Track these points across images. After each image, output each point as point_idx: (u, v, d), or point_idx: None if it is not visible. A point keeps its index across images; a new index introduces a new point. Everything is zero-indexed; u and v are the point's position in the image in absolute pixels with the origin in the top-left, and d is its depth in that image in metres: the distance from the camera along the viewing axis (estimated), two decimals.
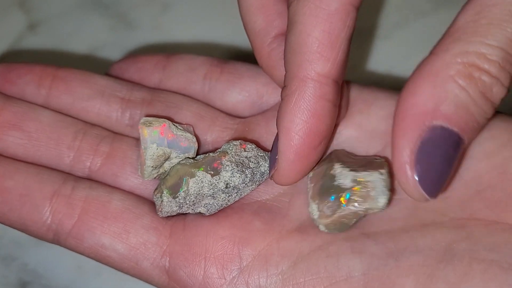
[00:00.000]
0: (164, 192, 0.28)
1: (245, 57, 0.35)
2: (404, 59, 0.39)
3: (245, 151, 0.29)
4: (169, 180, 0.28)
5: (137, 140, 0.30)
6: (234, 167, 0.28)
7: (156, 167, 0.29)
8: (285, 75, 0.27)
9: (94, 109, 0.32)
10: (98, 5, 0.42)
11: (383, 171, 0.27)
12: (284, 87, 0.27)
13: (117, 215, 0.28)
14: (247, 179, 0.29)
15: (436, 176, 0.24)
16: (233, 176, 0.28)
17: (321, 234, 0.27)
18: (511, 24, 0.23)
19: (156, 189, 0.29)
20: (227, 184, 0.28)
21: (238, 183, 0.28)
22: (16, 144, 0.30)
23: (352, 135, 0.30)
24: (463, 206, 0.27)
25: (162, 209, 0.28)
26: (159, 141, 0.29)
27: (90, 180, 0.30)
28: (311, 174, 0.29)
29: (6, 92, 0.31)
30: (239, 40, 0.39)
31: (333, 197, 0.27)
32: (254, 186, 0.29)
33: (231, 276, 0.27)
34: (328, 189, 0.27)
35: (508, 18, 0.23)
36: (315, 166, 0.29)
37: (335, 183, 0.27)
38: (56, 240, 0.29)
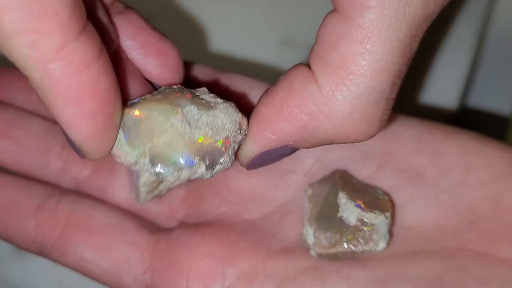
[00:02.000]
0: (147, 159, 0.24)
1: (241, 66, 0.34)
2: None
3: (240, 134, 0.26)
4: (158, 149, 0.25)
5: None
6: (228, 163, 0.26)
7: (151, 191, 0.29)
8: None
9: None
10: None
11: (388, 214, 0.26)
12: None
13: (101, 230, 0.28)
14: (230, 163, 0.26)
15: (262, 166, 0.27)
16: (223, 167, 0.26)
17: (309, 256, 0.27)
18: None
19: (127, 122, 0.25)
20: (213, 174, 0.26)
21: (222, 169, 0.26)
22: (4, 152, 0.30)
23: (346, 155, 0.29)
24: (455, 235, 0.26)
25: (128, 164, 0.25)
26: None
27: (77, 193, 0.30)
28: (310, 191, 0.28)
29: None
30: (228, 49, 0.39)
31: (333, 231, 0.26)
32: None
33: None
34: (329, 219, 0.27)
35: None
36: (315, 184, 0.28)
37: (339, 215, 0.27)
38: (41, 252, 0.28)
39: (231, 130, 0.25)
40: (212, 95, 0.26)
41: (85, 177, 0.30)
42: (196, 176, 0.25)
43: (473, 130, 0.29)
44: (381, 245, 0.26)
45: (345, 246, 0.26)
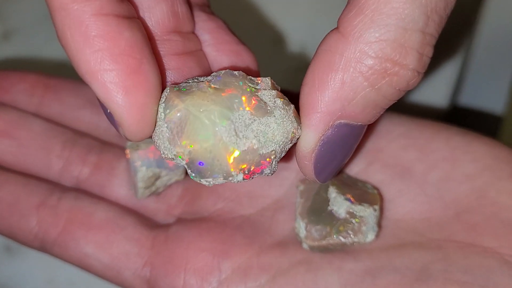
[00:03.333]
0: (183, 160, 0.24)
1: None
2: None
3: (290, 142, 0.25)
4: (199, 152, 0.23)
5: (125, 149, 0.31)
6: (268, 176, 0.25)
7: (148, 187, 0.30)
8: None
9: (84, 118, 0.32)
10: None
11: (376, 207, 0.27)
12: None
13: (101, 226, 0.29)
14: None
15: (333, 169, 0.25)
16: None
17: (301, 249, 0.28)
18: None
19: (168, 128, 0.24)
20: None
21: None
22: (6, 152, 0.31)
23: None
24: (442, 227, 0.27)
25: (166, 158, 0.24)
26: (148, 163, 0.29)
27: (77, 190, 0.30)
28: (302, 187, 0.29)
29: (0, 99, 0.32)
30: None
31: (323, 224, 0.27)
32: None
33: (210, 287, 0.27)
34: (320, 212, 0.28)
35: None
36: (306, 180, 0.29)
37: (329, 208, 0.27)
38: (43, 248, 0.29)
39: (280, 143, 0.24)
40: (274, 92, 0.24)
41: (85, 176, 0.31)
42: (232, 181, 0.24)
43: (465, 128, 0.30)
44: (370, 236, 0.27)
45: (336, 238, 0.27)
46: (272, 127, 0.24)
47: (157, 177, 0.29)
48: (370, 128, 0.30)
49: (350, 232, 0.27)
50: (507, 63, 0.45)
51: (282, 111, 0.24)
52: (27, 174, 0.31)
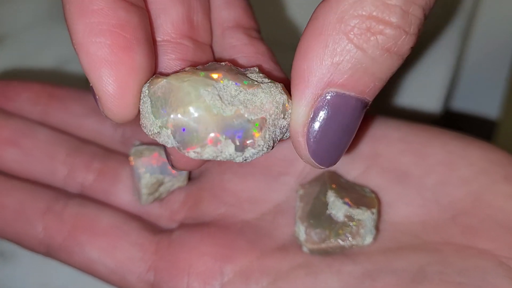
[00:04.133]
0: (169, 130, 0.23)
1: None
2: None
3: (283, 118, 0.23)
4: (182, 121, 0.22)
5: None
6: (264, 148, 0.23)
7: (151, 193, 0.30)
8: None
9: (88, 126, 0.33)
10: None
11: (374, 210, 0.28)
12: None
13: (106, 231, 0.29)
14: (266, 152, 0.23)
15: (330, 148, 0.23)
16: (257, 154, 0.23)
17: (302, 253, 0.28)
18: None
19: (153, 99, 0.23)
20: (245, 160, 0.23)
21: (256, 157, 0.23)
22: (12, 160, 0.31)
23: None
24: (439, 230, 0.27)
25: (152, 135, 0.23)
26: (151, 170, 0.30)
27: (82, 196, 0.31)
28: (301, 191, 0.29)
29: (5, 108, 0.33)
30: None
31: (323, 227, 0.28)
32: None
33: None
34: (319, 216, 0.28)
35: None
36: (306, 184, 0.29)
37: (327, 212, 0.28)
38: (48, 253, 0.30)
39: (270, 112, 0.23)
40: (262, 74, 0.24)
41: (90, 183, 0.31)
42: (223, 156, 0.22)
43: (459, 132, 0.30)
44: (368, 239, 0.27)
45: (334, 241, 0.27)
46: (260, 96, 0.23)
47: (160, 183, 0.30)
48: (367, 132, 0.30)
49: (348, 235, 0.27)
50: (501, 67, 0.45)
51: (270, 84, 0.23)
52: (33, 181, 0.31)
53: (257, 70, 0.24)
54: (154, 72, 0.24)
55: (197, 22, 0.26)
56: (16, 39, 0.42)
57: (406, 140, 0.30)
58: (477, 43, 0.44)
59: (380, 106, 0.38)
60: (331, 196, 0.28)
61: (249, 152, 0.22)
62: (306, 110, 0.23)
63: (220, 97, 0.22)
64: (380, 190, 0.29)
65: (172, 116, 0.22)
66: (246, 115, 0.22)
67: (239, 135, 0.22)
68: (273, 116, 0.23)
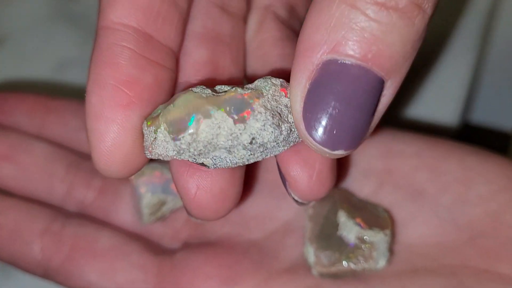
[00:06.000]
0: (162, 127, 0.21)
1: None
2: None
3: (286, 97, 0.21)
4: (172, 112, 0.21)
5: None
6: (269, 117, 0.21)
7: (153, 213, 0.29)
8: None
9: (86, 140, 0.32)
10: (67, 18, 0.41)
11: (388, 231, 0.27)
12: None
13: (105, 253, 0.28)
14: (281, 137, 0.21)
15: (328, 122, 0.20)
16: (264, 129, 0.21)
17: (311, 276, 0.27)
18: None
19: (150, 117, 0.22)
20: (253, 138, 0.21)
21: (268, 140, 0.21)
22: (8, 176, 0.30)
23: (346, 173, 0.29)
24: (456, 252, 0.26)
25: (152, 148, 0.21)
26: (153, 189, 0.29)
27: (81, 216, 0.30)
28: (310, 211, 0.28)
29: (0, 121, 0.32)
30: None
31: (333, 250, 0.27)
32: (286, 147, 0.22)
33: None
34: (329, 237, 0.27)
35: None
36: (315, 203, 0.28)
37: (338, 233, 0.27)
38: (46, 276, 0.29)
39: (267, 88, 0.21)
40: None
41: (90, 201, 0.30)
42: (225, 135, 0.21)
43: (476, 146, 0.29)
44: (381, 262, 0.26)
45: (345, 264, 0.26)
46: (254, 83, 0.21)
47: (163, 203, 0.29)
48: (379, 147, 0.29)
49: (360, 258, 0.26)
50: None
51: (265, 78, 0.22)
52: (30, 199, 0.30)
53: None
54: None
55: (223, 67, 0.25)
56: (16, 41, 0.41)
57: (421, 155, 0.29)
58: (494, 56, 0.43)
59: (394, 118, 0.38)
60: (342, 216, 0.27)
61: (253, 126, 0.20)
62: (302, 80, 0.20)
63: (211, 90, 0.21)
64: (394, 208, 0.28)
65: (164, 118, 0.21)
66: (239, 90, 0.21)
67: (235, 107, 0.20)
68: (270, 91, 0.21)
